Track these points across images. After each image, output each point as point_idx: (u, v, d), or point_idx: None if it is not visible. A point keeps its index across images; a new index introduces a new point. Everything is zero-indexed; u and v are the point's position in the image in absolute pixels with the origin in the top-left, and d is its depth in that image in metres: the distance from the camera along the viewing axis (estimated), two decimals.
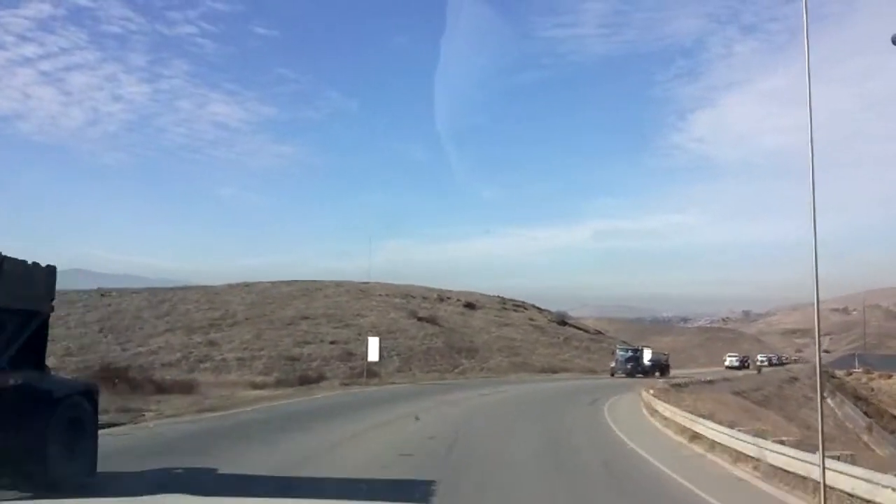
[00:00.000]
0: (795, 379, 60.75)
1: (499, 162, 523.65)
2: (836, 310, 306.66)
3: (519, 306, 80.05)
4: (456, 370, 45.85)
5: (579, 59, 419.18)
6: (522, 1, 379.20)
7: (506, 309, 76.03)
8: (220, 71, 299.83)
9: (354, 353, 42.64)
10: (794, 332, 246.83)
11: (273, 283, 65.76)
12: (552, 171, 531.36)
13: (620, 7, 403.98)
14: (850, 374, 70.20)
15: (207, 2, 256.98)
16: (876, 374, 68.79)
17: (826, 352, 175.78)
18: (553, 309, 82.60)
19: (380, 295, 66.18)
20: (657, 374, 53.45)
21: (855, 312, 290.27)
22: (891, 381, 67.20)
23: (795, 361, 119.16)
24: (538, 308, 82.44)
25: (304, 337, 45.00)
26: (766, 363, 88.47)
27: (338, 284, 68.25)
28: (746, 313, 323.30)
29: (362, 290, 66.65)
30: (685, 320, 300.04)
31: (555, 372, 51.48)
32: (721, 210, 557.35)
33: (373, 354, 35.38)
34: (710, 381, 41.38)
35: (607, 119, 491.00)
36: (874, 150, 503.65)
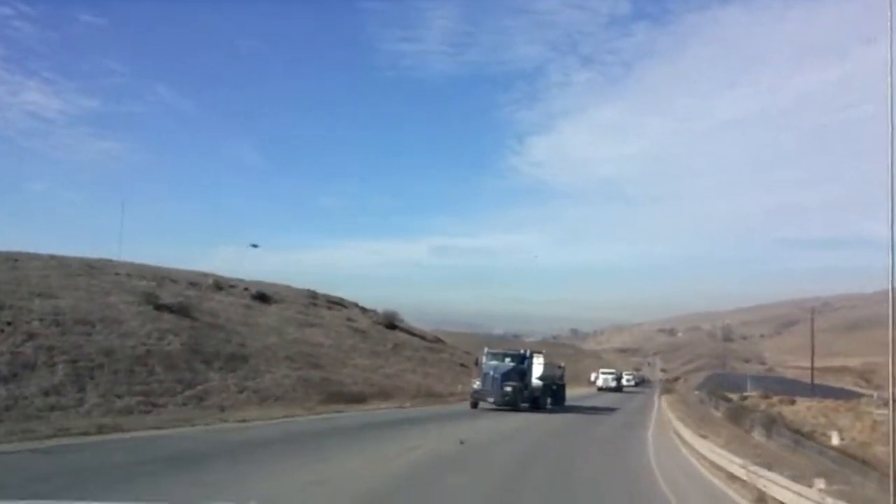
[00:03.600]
0: (701, 401, 46.74)
1: (338, 172, 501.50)
2: (663, 331, 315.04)
3: (336, 303, 59.79)
4: (188, 391, 24.74)
5: (423, 76, 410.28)
6: (368, 11, 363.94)
7: (316, 305, 55.50)
8: (38, 58, 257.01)
9: None
10: (624, 350, 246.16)
11: None
12: (392, 184, 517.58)
13: (465, 27, 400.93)
14: (745, 398, 56.61)
15: None
16: (776, 398, 55.48)
17: (663, 370, 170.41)
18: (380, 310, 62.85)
19: (116, 274, 43.29)
20: (549, 400, 34.93)
21: (681, 334, 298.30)
22: (794, 407, 54.02)
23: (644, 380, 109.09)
24: (361, 307, 62.60)
25: None
26: (632, 382, 75.21)
27: (53, 258, 44.40)
28: (575, 332, 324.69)
29: (91, 267, 43.41)
30: (516, 336, 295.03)
31: (365, 400, 31.06)
32: (554, 232, 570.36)
33: None
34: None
35: (450, 137, 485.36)
36: (699, 183, 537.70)
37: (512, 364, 33.98)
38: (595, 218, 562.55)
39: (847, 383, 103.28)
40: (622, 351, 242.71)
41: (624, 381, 72.75)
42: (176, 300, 37.54)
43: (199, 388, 25.26)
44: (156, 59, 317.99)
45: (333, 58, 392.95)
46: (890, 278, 8.83)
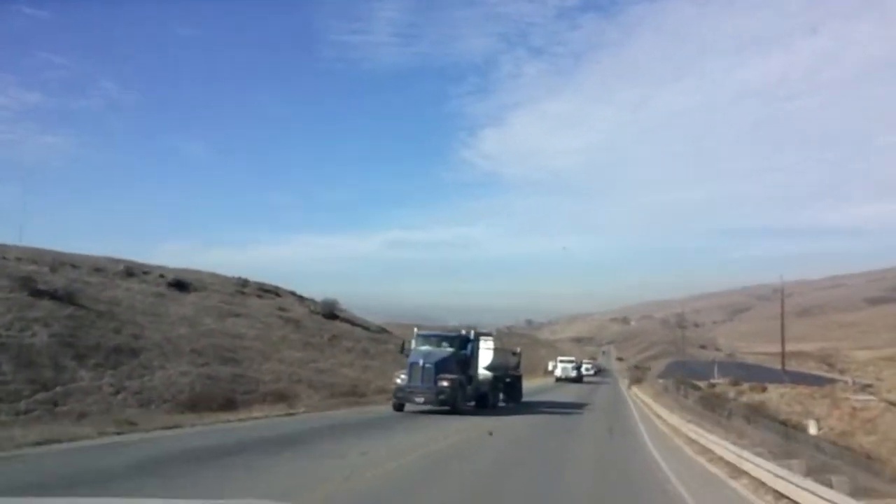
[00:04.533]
0: (666, 389, 43.10)
1: (289, 167, 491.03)
2: (616, 320, 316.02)
3: (268, 291, 54.13)
4: (41, 394, 19.15)
5: (373, 67, 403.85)
6: (315, 2, 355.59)
7: (244, 293, 49.80)
8: None
9: None
10: (579, 340, 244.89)
11: None
12: (345, 178, 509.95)
13: (414, 19, 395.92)
14: (713, 385, 53.15)
15: None
16: (746, 385, 52.11)
17: (620, 359, 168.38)
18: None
19: (3, 258, 37.23)
20: (500, 396, 29.66)
21: (634, 323, 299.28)
22: (766, 394, 50.82)
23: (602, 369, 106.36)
24: (298, 296, 57.07)
25: None
26: (592, 371, 71.70)
27: None
28: (529, 322, 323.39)
29: None
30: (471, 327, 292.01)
31: (237, 406, 23.84)
32: (506, 224, 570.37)
33: None
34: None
35: (403, 131, 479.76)
36: (646, 174, 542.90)
37: (450, 350, 25.80)
38: (546, 209, 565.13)
39: (809, 367, 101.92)
40: (577, 340, 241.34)
41: (584, 371, 68.74)
42: (65, 286, 31.69)
43: (59, 389, 19.69)
44: (99, 52, 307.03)
45: (282, 50, 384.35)
46: None
